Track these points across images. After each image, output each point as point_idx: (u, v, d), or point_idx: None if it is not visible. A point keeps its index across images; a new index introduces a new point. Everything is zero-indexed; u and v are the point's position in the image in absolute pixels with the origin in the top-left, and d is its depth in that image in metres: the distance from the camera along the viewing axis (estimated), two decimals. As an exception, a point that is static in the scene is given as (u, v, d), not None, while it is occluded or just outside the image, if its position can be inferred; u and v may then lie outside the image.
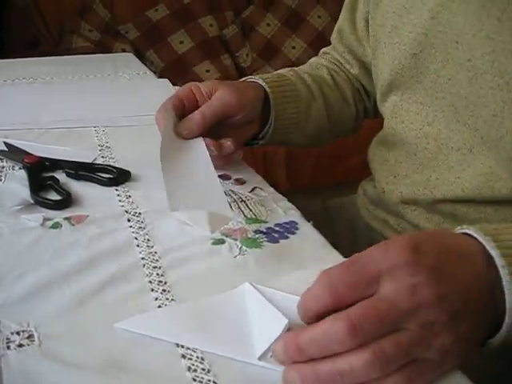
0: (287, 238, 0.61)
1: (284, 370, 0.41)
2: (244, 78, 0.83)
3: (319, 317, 0.41)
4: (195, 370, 0.43)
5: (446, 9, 0.66)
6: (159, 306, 0.49)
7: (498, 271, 0.42)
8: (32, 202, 0.65)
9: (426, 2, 0.69)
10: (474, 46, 0.63)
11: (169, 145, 0.67)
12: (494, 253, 0.42)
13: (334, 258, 0.57)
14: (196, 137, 0.71)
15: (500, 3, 0.61)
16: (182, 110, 0.73)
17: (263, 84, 0.79)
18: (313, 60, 0.94)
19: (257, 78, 0.80)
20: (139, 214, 0.64)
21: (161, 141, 0.67)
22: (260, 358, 0.44)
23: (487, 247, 0.43)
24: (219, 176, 0.72)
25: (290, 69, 0.88)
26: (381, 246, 0.43)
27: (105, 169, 0.73)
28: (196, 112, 0.71)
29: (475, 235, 0.44)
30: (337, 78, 0.89)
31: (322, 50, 0.97)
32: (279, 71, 0.87)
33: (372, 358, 0.38)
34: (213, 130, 0.72)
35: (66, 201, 0.65)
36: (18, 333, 0.46)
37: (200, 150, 0.69)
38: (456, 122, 0.68)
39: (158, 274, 0.54)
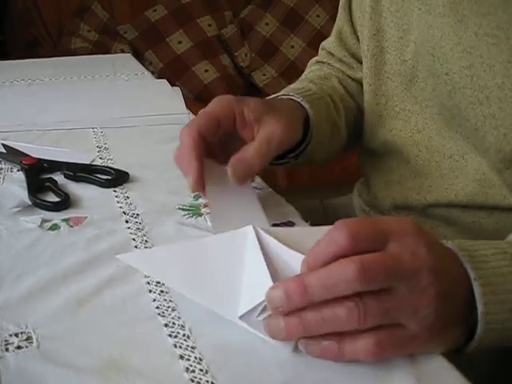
0: (285, 238, 0.61)
1: (268, 319, 0.44)
2: (282, 94, 0.73)
3: (328, 263, 0.42)
4: (193, 371, 0.43)
5: (423, 20, 0.66)
6: (157, 308, 0.49)
7: (470, 280, 0.45)
8: (30, 203, 0.65)
9: (413, 9, 0.68)
10: (450, 60, 0.63)
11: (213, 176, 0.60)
12: (467, 266, 0.45)
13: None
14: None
15: (476, 18, 0.60)
16: (215, 132, 0.60)
17: (307, 107, 0.70)
18: (318, 70, 0.86)
19: (299, 98, 0.70)
20: (137, 215, 0.64)
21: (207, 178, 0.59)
22: (241, 318, 0.45)
23: (462, 261, 0.45)
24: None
25: (309, 80, 0.80)
26: (395, 218, 0.47)
27: (103, 170, 0.73)
28: (250, 159, 0.59)
29: (452, 248, 0.47)
30: (347, 86, 0.83)
31: (314, 60, 0.90)
32: (304, 84, 0.78)
33: (353, 306, 0.41)
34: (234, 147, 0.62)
35: (65, 202, 0.65)
36: (16, 334, 0.46)
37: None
38: (448, 129, 0.67)
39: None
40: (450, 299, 0.44)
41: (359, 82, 0.84)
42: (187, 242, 0.52)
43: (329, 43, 0.87)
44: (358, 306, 0.41)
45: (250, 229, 0.50)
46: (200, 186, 0.58)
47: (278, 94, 0.75)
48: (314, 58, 0.91)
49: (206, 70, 2.35)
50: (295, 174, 2.06)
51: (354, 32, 0.82)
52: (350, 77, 0.85)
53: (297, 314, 0.43)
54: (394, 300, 0.42)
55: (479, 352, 0.46)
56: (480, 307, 0.44)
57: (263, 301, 0.44)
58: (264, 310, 0.45)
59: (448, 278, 0.44)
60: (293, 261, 0.46)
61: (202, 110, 0.61)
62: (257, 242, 0.48)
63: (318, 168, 2.10)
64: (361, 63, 0.82)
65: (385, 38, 0.72)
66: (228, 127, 0.61)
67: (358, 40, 0.81)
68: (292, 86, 0.80)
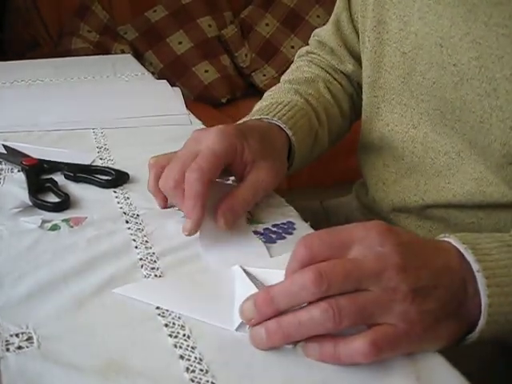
0: (284, 238, 0.61)
1: (250, 331, 0.46)
2: (265, 111, 0.72)
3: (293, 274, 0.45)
4: (193, 371, 0.43)
5: (432, 10, 0.65)
6: (157, 308, 0.50)
7: (472, 273, 0.45)
8: (31, 204, 0.65)
9: (416, 0, 0.67)
10: (459, 51, 0.63)
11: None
12: (470, 258, 0.45)
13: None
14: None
15: (487, 8, 0.60)
16: (217, 174, 0.61)
17: (290, 134, 0.70)
18: (305, 69, 0.86)
19: (282, 125, 0.70)
20: (137, 215, 0.64)
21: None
22: (237, 329, 0.47)
23: (464, 254, 0.46)
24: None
25: (294, 90, 0.79)
26: (360, 223, 0.47)
27: (103, 171, 0.73)
28: (239, 209, 0.61)
29: (453, 242, 0.47)
30: (333, 90, 0.83)
31: (304, 50, 0.91)
32: (289, 97, 0.77)
33: (327, 306, 0.43)
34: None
35: (65, 203, 0.65)
36: (17, 335, 0.46)
37: None
38: (443, 125, 0.67)
39: (156, 275, 0.54)
40: (435, 294, 0.44)
41: (348, 76, 0.86)
42: (176, 277, 0.55)
43: (323, 31, 0.88)
44: (331, 306, 0.43)
45: (236, 268, 0.54)
46: (196, 230, 0.58)
47: (263, 109, 0.73)
48: (304, 48, 0.91)
49: (206, 71, 2.36)
50: (295, 175, 2.06)
51: (352, 21, 0.82)
52: (340, 71, 0.85)
53: (275, 320, 0.45)
54: (367, 299, 0.43)
55: (480, 345, 0.46)
56: (484, 299, 0.44)
57: None
58: None
59: (426, 274, 0.44)
60: (276, 278, 0.49)
61: (209, 147, 0.59)
62: (245, 275, 0.53)
63: (319, 169, 2.10)
64: (352, 55, 0.84)
65: (385, 29, 0.72)
66: (226, 165, 0.62)
67: (355, 30, 0.82)
68: (279, 94, 0.79)
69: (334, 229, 0.47)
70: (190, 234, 0.58)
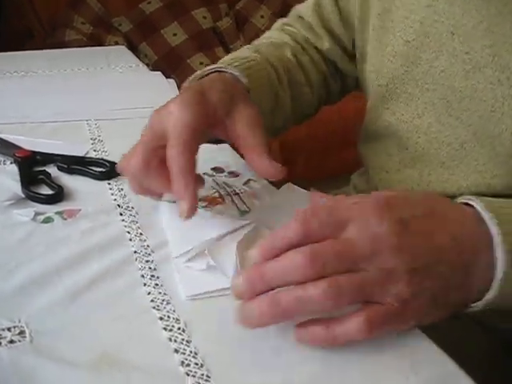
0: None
1: (241, 304, 0.44)
2: (218, 67, 0.69)
3: (286, 249, 0.44)
4: (188, 365, 0.43)
5: None
6: (152, 301, 0.49)
7: (489, 240, 0.45)
8: (23, 196, 0.64)
9: None
10: (472, 39, 0.62)
11: None
12: (490, 222, 0.46)
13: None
14: None
15: None
16: (198, 146, 0.57)
17: (244, 81, 0.66)
18: (275, 36, 0.84)
19: (237, 72, 0.67)
20: (132, 207, 0.64)
21: None
22: (177, 257, 0.53)
23: (485, 217, 0.46)
24: (212, 168, 0.72)
25: (255, 49, 0.77)
26: (358, 196, 0.47)
27: (97, 162, 0.72)
28: (261, 155, 0.59)
29: (474, 204, 0.48)
30: (300, 58, 0.81)
31: (281, 22, 0.88)
32: (247, 53, 0.75)
33: (326, 286, 0.42)
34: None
35: (58, 195, 0.65)
36: (9, 329, 0.46)
37: None
38: (448, 115, 0.66)
39: (150, 268, 0.54)
40: (436, 270, 0.44)
41: (323, 54, 0.84)
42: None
43: (304, 7, 0.85)
44: (331, 285, 0.42)
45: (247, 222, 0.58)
46: (194, 212, 0.54)
47: (220, 62, 0.71)
48: (281, 20, 0.89)
49: (201, 63, 2.34)
50: (290, 167, 2.06)
51: (336, 4, 0.81)
52: (315, 46, 0.84)
53: (269, 297, 0.43)
54: (365, 279, 0.43)
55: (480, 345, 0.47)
56: (500, 264, 0.45)
57: (192, 248, 0.52)
58: (195, 258, 0.52)
59: (426, 251, 0.44)
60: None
61: (177, 121, 0.55)
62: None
63: (313, 162, 2.10)
64: (330, 34, 0.82)
65: (390, 18, 0.71)
66: (203, 133, 0.58)
67: (339, 12, 0.80)
68: (237, 52, 0.78)
69: (331, 205, 0.46)
70: (188, 217, 0.53)
